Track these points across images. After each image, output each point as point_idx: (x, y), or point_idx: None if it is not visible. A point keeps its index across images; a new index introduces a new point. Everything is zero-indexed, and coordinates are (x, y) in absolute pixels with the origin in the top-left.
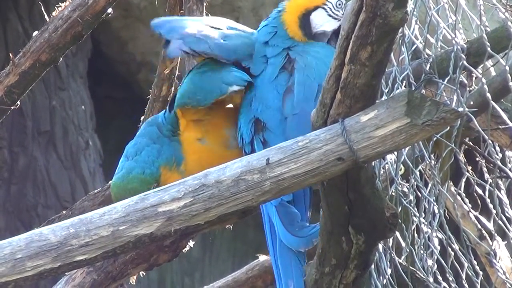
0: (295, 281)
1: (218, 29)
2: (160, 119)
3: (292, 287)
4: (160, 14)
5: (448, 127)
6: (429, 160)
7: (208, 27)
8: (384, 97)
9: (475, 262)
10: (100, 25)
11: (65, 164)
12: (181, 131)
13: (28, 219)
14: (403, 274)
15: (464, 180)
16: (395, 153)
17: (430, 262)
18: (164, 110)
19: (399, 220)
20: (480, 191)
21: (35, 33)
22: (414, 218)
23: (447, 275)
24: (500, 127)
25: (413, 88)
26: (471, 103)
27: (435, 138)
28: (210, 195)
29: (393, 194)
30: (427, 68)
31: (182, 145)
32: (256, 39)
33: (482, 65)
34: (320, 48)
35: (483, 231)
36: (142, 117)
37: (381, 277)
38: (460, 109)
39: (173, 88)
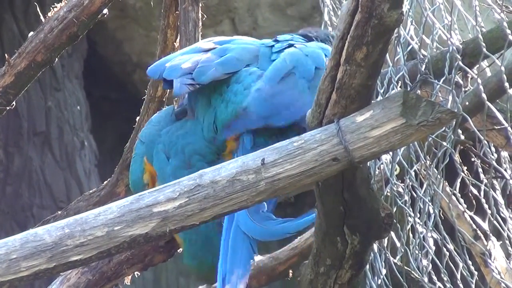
0: (242, 269)
1: (210, 49)
2: (202, 144)
3: (237, 275)
4: (155, 14)
5: (444, 128)
6: (424, 160)
7: (199, 55)
8: (380, 98)
9: (470, 262)
10: (95, 26)
11: (61, 165)
12: (226, 153)
13: (23, 220)
14: (398, 274)
15: (459, 180)
16: (391, 153)
17: (425, 262)
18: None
19: (394, 220)
20: (475, 191)
21: (31, 33)
22: (409, 218)
23: (442, 275)
24: (496, 127)
25: (409, 89)
26: (467, 103)
27: (430, 139)
28: (205, 195)
29: (388, 194)
30: (423, 69)
31: None
32: (261, 44)
33: (477, 66)
34: (316, 44)
35: (478, 231)
36: (138, 118)
37: (376, 277)
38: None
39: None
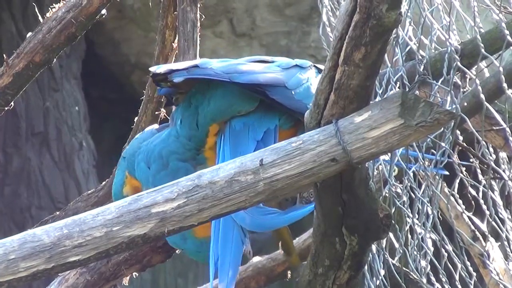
0: (233, 259)
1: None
2: (179, 143)
3: (229, 265)
4: (153, 15)
5: (442, 128)
6: (423, 161)
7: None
8: (378, 98)
9: (468, 263)
10: (94, 26)
11: (59, 165)
12: (206, 148)
13: (22, 220)
14: (397, 275)
15: (457, 181)
16: (389, 154)
17: (423, 263)
18: (170, 135)
19: (393, 221)
20: (474, 192)
21: (29, 34)
22: (408, 219)
23: (441, 276)
24: (494, 128)
25: (407, 89)
26: (465, 104)
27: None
28: (204, 196)
29: (387, 195)
30: (421, 69)
31: (210, 160)
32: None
33: (476, 66)
34: None
35: (477, 232)
36: (136, 118)
37: (375, 278)
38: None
39: None
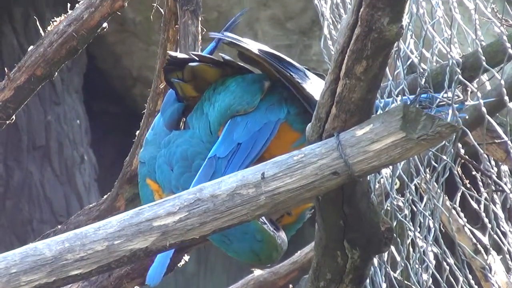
0: None
1: None
2: (203, 146)
3: None
4: (155, 29)
5: (444, 142)
6: (424, 174)
7: None
8: (380, 111)
9: (470, 276)
10: (95, 40)
11: (60, 179)
12: None
13: (23, 234)
14: None
15: (459, 194)
16: (391, 167)
17: (425, 276)
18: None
19: (394, 235)
20: (475, 206)
21: (31, 47)
22: (409, 232)
23: None
24: (496, 141)
25: (409, 102)
26: (467, 117)
27: (430, 152)
28: (206, 209)
29: (389, 208)
30: (423, 82)
31: None
32: None
33: (477, 79)
34: None
35: (478, 245)
36: (137, 132)
37: None
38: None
39: None
